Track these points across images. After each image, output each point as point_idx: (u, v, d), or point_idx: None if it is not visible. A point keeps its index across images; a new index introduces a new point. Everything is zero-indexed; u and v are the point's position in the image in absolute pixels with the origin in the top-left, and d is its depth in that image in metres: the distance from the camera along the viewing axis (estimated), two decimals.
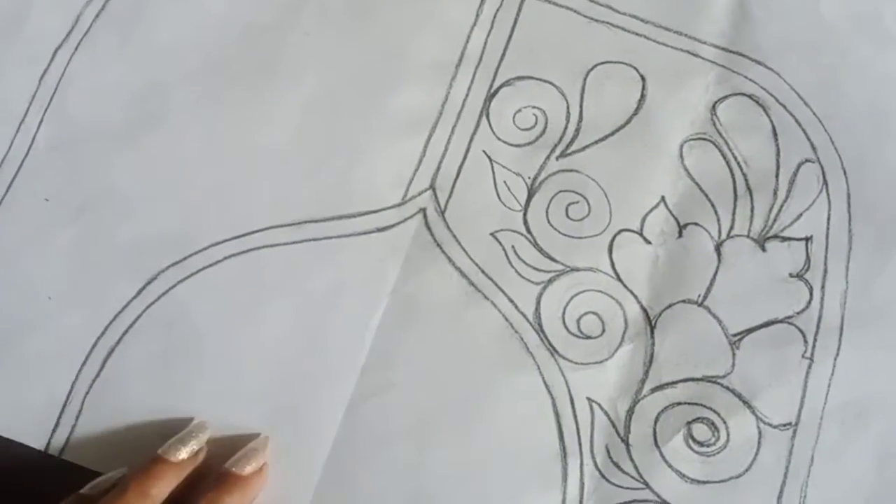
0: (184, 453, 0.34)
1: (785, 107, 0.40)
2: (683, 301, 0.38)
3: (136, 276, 0.37)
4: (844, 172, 0.39)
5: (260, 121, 0.39)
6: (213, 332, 0.37)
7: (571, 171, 0.39)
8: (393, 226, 0.38)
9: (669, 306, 0.37)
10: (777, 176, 0.39)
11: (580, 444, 0.36)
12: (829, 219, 0.38)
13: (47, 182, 0.38)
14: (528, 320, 0.37)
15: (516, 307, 0.37)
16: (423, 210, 0.38)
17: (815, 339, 0.37)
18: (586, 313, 0.37)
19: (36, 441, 0.35)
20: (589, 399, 0.36)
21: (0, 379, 0.36)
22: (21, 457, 0.35)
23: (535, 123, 0.40)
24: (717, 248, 0.38)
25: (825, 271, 0.38)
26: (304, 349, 0.37)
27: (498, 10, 0.41)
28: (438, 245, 0.38)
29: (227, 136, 0.39)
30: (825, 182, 0.39)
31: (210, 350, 0.37)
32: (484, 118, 0.40)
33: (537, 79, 0.40)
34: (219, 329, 0.37)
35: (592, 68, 0.40)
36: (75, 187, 0.38)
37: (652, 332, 0.37)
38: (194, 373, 0.36)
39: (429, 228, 0.38)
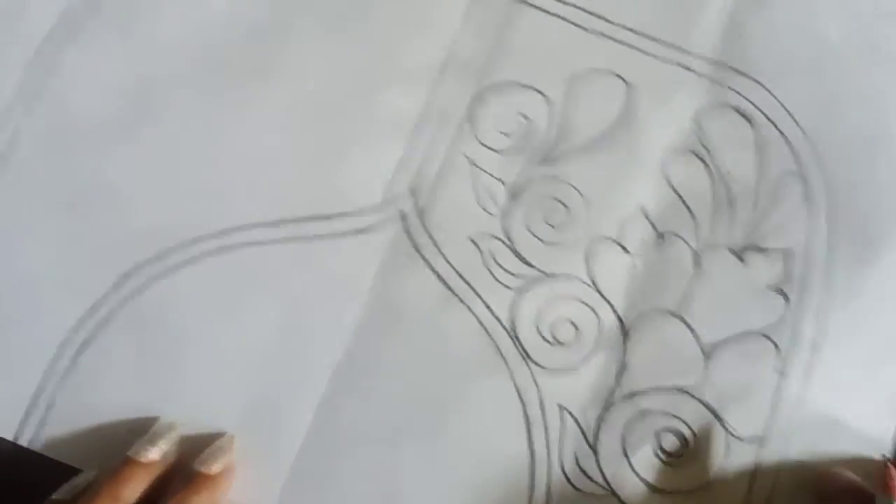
0: (154, 454, 0.34)
1: (771, 120, 0.39)
2: (659, 311, 0.37)
3: (114, 270, 0.37)
4: (826, 187, 0.39)
5: (245, 119, 0.39)
6: (189, 328, 0.37)
7: (552, 177, 0.39)
8: (372, 227, 0.38)
9: (644, 316, 0.37)
10: (758, 188, 0.39)
11: (549, 451, 0.36)
12: (808, 232, 0.38)
13: (33, 174, 0.38)
14: (502, 325, 0.37)
15: (492, 312, 0.37)
16: (402, 213, 0.38)
17: (788, 353, 0.37)
18: (561, 320, 0.37)
19: (5, 431, 0.35)
20: (560, 405, 0.36)
21: None
22: None
23: (518, 129, 0.40)
24: (696, 259, 0.38)
25: (803, 285, 0.38)
26: (279, 348, 0.37)
27: (486, 15, 0.41)
28: (416, 248, 0.38)
29: (211, 134, 0.39)
30: (807, 196, 0.39)
31: (184, 347, 0.37)
32: (466, 122, 0.40)
33: (522, 84, 0.40)
34: (195, 326, 0.37)
35: (579, 76, 0.40)
36: (60, 181, 0.38)
37: (625, 341, 0.37)
38: (167, 369, 0.36)
39: (407, 231, 0.38)
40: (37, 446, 0.35)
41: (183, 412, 0.36)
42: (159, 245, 0.37)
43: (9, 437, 0.35)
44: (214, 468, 0.34)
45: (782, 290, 0.38)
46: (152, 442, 0.34)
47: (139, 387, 0.36)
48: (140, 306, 0.37)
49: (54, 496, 0.33)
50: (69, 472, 0.35)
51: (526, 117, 0.40)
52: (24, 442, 0.35)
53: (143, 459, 0.33)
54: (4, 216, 0.38)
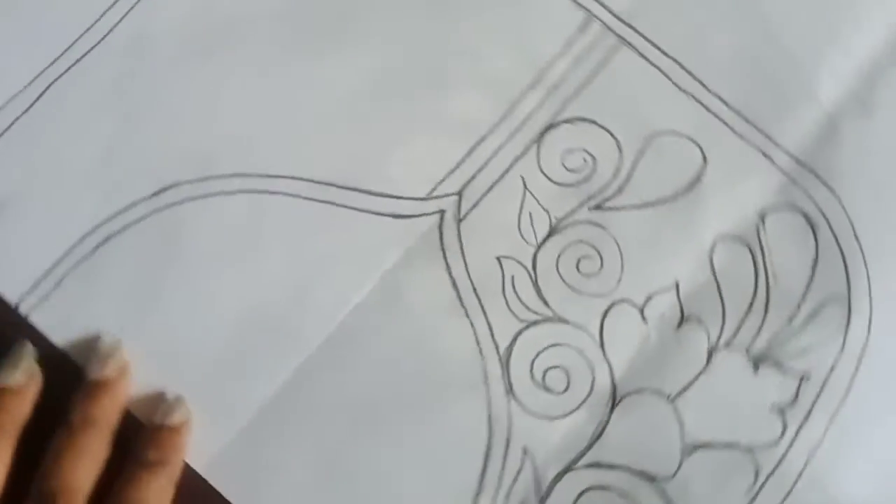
0: (20, 376, 0.34)
1: (836, 239, 0.38)
2: (655, 391, 0.36)
3: (156, 180, 0.38)
4: (870, 324, 0.37)
5: (320, 74, 0.39)
6: (203, 255, 0.37)
7: (598, 225, 0.38)
8: (408, 216, 0.38)
9: (639, 391, 0.36)
10: (800, 304, 0.37)
11: (497, 490, 0.35)
12: (834, 365, 0.36)
13: (109, 71, 0.39)
14: (497, 352, 0.37)
15: (492, 335, 0.37)
16: (443, 212, 0.38)
17: (766, 480, 0.35)
18: (556, 367, 0.37)
19: (11, 294, 0.37)
20: (524, 449, 0.36)
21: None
22: None
23: (582, 167, 0.39)
24: (710, 353, 0.37)
25: (808, 416, 0.36)
26: (280, 303, 0.37)
27: (589, 48, 0.40)
28: (442, 249, 0.38)
29: (278, 82, 0.39)
30: (847, 326, 0.37)
31: (192, 271, 0.37)
32: (535, 145, 0.39)
33: (601, 126, 0.39)
34: (208, 256, 0.37)
35: (658, 133, 0.39)
36: (130, 86, 0.39)
37: (611, 409, 0.36)
38: (170, 289, 0.37)
39: (440, 231, 0.38)
40: (34, 319, 0.37)
41: (166, 337, 0.36)
42: (204, 170, 0.38)
43: (12, 301, 0.37)
44: (106, 371, 0.34)
45: (784, 417, 0.36)
46: (14, 364, 0.34)
47: (140, 293, 0.37)
48: (168, 220, 0.38)
49: None
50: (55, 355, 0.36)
51: (594, 159, 0.39)
52: (24, 310, 0.37)
53: (11, 383, 0.34)
54: (68, 109, 0.39)
